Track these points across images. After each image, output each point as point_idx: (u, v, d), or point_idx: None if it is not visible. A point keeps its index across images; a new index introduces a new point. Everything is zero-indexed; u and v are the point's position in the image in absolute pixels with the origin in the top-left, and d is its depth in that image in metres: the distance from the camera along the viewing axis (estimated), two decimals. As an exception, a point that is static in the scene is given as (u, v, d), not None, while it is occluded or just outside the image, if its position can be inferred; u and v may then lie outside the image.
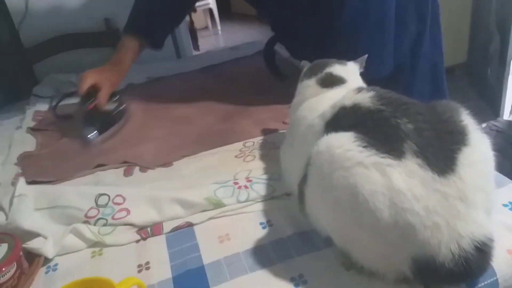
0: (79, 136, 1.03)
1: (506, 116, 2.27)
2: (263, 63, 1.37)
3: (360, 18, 1.01)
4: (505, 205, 0.66)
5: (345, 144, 0.53)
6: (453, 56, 2.69)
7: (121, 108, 1.11)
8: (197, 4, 4.96)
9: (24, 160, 0.99)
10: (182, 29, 2.00)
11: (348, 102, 0.60)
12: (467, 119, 0.56)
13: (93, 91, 1.07)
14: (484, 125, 1.55)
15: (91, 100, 1.06)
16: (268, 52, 1.30)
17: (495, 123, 1.53)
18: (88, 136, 1.02)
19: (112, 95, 1.12)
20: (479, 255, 0.49)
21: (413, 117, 0.54)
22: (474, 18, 2.75)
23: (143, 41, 1.20)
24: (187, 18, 3.86)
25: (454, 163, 0.51)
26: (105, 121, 1.07)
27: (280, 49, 1.36)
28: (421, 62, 1.12)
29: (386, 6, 1.02)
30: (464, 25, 2.79)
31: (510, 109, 2.25)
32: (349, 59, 0.82)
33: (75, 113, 1.08)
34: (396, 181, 0.49)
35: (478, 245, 0.49)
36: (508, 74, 2.23)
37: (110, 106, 1.09)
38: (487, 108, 2.45)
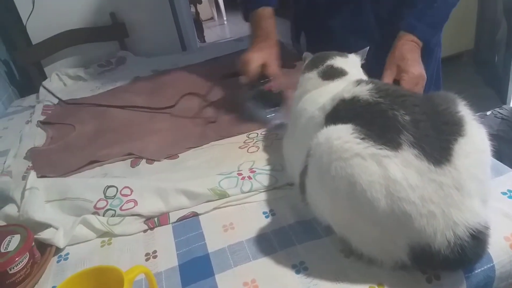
0: (256, 115, 1.03)
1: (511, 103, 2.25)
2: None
3: None
4: (503, 193, 0.67)
5: (343, 136, 0.54)
6: (460, 43, 2.67)
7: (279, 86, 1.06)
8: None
9: (34, 155, 1.01)
10: (187, 22, 2.00)
11: (347, 94, 0.61)
12: (463, 110, 0.56)
13: (261, 71, 1.02)
14: (489, 112, 1.54)
15: (266, 80, 1.02)
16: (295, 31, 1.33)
17: (500, 111, 1.52)
18: (268, 116, 1.02)
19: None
20: (474, 242, 0.50)
21: (410, 109, 0.54)
22: (481, 5, 2.71)
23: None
24: (192, 9, 3.85)
25: (449, 153, 0.51)
26: (276, 100, 1.04)
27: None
28: (437, 49, 1.15)
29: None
30: (471, 12, 2.75)
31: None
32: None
33: (249, 94, 1.05)
34: (392, 171, 0.50)
35: (473, 232, 0.50)
36: (515, 61, 2.21)
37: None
38: (494, 95, 2.42)
